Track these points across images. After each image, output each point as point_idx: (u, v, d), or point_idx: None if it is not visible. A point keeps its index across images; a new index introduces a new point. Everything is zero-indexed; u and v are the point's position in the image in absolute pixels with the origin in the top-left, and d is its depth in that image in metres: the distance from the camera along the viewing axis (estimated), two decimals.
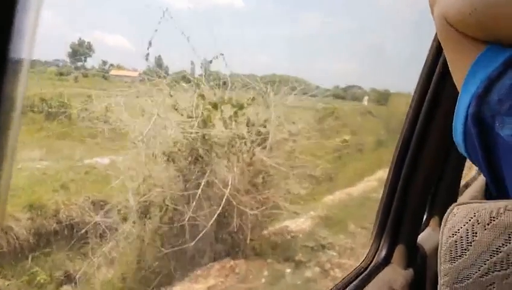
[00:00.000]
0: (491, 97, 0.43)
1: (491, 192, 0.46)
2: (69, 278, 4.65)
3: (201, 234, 4.43)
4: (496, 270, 0.38)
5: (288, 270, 5.01)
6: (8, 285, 4.36)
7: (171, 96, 4.94)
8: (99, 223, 4.64)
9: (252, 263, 4.90)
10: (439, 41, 0.53)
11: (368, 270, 1.24)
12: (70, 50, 4.30)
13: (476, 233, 0.39)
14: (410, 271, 1.32)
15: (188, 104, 4.90)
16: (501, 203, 0.38)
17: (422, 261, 1.39)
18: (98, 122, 5.28)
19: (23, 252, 4.70)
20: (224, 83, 5.23)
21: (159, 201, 4.62)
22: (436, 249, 0.43)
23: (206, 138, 4.69)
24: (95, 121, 5.32)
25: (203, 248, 4.69)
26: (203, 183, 4.51)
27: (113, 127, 5.05)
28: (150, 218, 4.60)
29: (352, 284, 1.15)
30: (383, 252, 1.29)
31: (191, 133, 4.64)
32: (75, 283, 4.52)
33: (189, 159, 4.67)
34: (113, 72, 4.65)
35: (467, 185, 2.01)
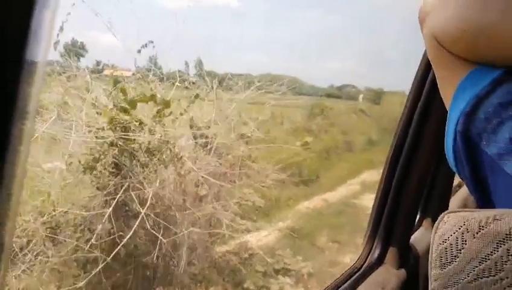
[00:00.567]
0: (478, 115, 0.44)
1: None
2: None
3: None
4: (484, 277, 0.39)
5: None
6: None
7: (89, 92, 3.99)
8: None
9: None
10: None
11: (361, 270, 1.26)
12: (63, 50, 4.15)
13: (466, 241, 0.40)
14: (403, 271, 1.33)
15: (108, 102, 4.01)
16: (490, 213, 0.40)
17: (415, 261, 1.40)
18: None
19: None
20: (162, 79, 4.42)
21: (69, 222, 3.74)
22: (429, 249, 0.44)
23: (121, 143, 3.77)
24: None
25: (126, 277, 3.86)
26: (116, 201, 3.65)
27: None
28: (55, 244, 3.67)
29: (345, 284, 1.16)
30: (376, 253, 1.31)
31: (104, 137, 3.77)
32: None
33: (104, 169, 3.78)
34: (106, 72, 4.48)
35: (460, 185, 2.03)
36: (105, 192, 3.74)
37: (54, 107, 3.83)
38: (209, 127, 4.40)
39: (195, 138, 4.37)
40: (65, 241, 3.65)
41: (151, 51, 4.28)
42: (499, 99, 0.42)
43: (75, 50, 4.55)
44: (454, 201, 1.75)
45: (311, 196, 7.08)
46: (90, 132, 3.82)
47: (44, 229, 3.61)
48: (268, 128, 5.38)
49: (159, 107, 4.05)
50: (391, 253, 1.32)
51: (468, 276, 0.40)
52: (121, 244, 3.52)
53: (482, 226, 0.39)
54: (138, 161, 3.89)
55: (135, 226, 3.62)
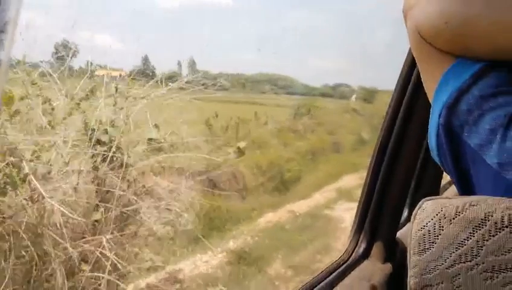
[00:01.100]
0: (460, 107, 0.44)
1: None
2: None
3: None
4: (461, 262, 0.39)
5: None
6: None
7: None
8: None
9: None
10: None
11: (346, 264, 1.27)
12: (54, 50, 4.05)
13: (443, 227, 0.41)
14: (389, 265, 1.35)
15: None
16: (466, 199, 0.40)
17: (402, 255, 1.42)
18: None
19: None
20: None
21: None
22: None
23: None
24: None
25: None
26: None
27: None
28: None
29: (330, 277, 1.17)
30: (362, 247, 1.32)
31: None
32: None
33: None
34: (98, 72, 4.38)
35: (450, 183, 2.04)
36: None
37: None
38: (106, 131, 3.48)
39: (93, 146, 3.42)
40: None
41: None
42: (481, 92, 0.43)
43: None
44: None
45: (280, 205, 6.22)
46: None
47: None
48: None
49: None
50: (377, 247, 1.33)
51: (446, 262, 0.40)
52: None
53: (459, 212, 0.40)
54: None
55: None
